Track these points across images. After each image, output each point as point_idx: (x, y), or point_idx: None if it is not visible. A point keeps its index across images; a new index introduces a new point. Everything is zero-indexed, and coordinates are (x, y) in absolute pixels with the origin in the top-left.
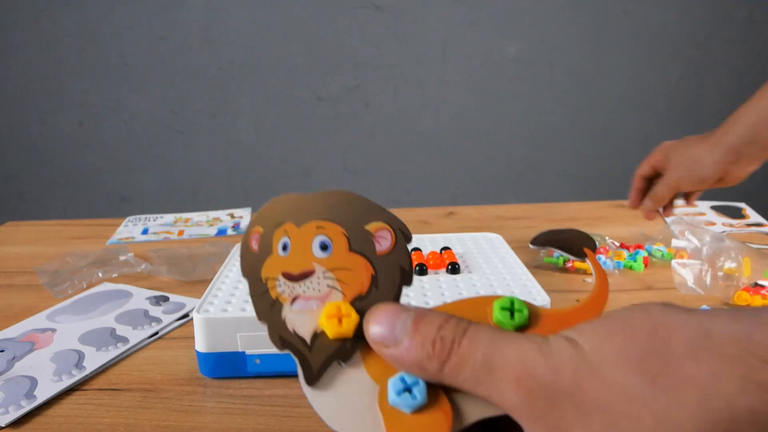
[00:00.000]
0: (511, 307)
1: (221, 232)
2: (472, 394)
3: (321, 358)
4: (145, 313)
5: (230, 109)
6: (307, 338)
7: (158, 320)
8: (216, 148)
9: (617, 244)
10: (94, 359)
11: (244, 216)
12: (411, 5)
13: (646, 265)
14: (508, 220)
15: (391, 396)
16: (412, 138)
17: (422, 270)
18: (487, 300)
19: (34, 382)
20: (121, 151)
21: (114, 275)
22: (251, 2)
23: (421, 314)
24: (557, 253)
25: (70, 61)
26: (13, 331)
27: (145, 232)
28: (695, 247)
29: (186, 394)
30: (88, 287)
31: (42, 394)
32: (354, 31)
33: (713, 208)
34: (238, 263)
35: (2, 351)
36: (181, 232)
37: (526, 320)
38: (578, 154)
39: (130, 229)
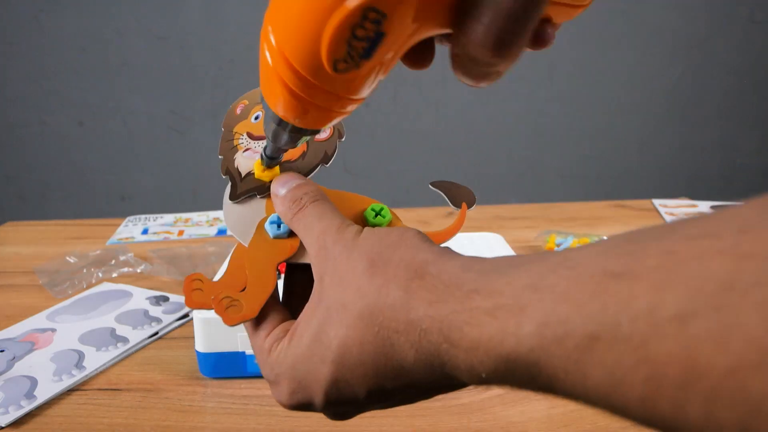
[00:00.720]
0: (378, 212)
1: (221, 232)
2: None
3: (246, 186)
4: (145, 313)
5: None
6: (243, 173)
7: (158, 320)
8: (216, 148)
9: None
10: (94, 359)
11: None
12: None
13: None
14: (508, 220)
15: (267, 223)
16: (412, 138)
17: None
18: (369, 201)
19: (34, 382)
20: (121, 151)
21: (114, 275)
22: (251, 2)
23: (303, 183)
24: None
25: (70, 61)
26: (13, 331)
27: (145, 232)
28: None
29: (186, 394)
30: (88, 287)
31: (42, 394)
32: None
33: (713, 208)
34: None
35: (2, 351)
36: (181, 232)
37: (384, 224)
38: (578, 154)
39: (130, 229)
